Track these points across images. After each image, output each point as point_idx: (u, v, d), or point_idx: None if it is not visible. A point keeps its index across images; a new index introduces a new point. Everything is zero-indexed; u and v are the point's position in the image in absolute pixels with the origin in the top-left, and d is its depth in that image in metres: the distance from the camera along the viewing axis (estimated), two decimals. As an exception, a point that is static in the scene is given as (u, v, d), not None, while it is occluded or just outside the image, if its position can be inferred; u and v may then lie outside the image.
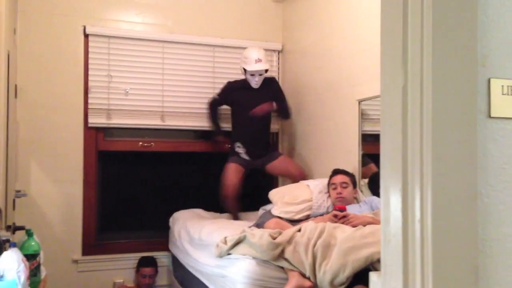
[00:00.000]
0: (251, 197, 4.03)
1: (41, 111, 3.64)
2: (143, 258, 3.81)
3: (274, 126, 4.14)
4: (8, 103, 2.38)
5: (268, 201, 3.37)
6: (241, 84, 3.78)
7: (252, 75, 3.67)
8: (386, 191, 1.02)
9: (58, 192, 3.68)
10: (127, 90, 3.85)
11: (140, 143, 3.99)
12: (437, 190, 0.94)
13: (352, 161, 3.25)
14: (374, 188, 3.11)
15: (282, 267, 2.31)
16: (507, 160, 1.00)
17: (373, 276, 1.15)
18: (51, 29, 3.68)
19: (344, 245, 2.17)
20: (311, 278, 2.20)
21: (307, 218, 3.01)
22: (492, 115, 0.99)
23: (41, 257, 2.20)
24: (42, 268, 2.23)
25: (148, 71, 3.92)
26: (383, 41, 1.05)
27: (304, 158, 3.92)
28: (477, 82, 0.98)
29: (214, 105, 3.88)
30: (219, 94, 3.87)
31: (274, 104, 3.75)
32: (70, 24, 3.73)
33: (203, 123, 4.02)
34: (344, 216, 2.58)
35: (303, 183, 3.36)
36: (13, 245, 1.90)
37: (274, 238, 2.34)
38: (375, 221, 2.49)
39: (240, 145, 3.70)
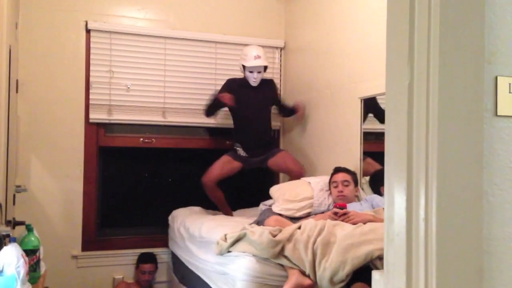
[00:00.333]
0: (251, 194, 4.02)
1: (42, 106, 3.63)
2: (142, 254, 3.81)
3: (276, 123, 4.13)
4: (9, 98, 2.37)
5: (269, 197, 3.36)
6: (241, 82, 3.76)
7: (251, 72, 3.65)
8: (391, 189, 1.01)
9: (58, 188, 3.67)
10: (128, 86, 3.84)
11: (141, 139, 3.98)
12: (442, 188, 0.93)
13: (353, 159, 3.24)
14: (375, 186, 3.10)
15: (282, 265, 2.31)
16: (513, 159, 0.99)
17: (375, 274, 1.14)
18: (53, 24, 3.67)
19: (343, 242, 2.17)
20: (311, 276, 2.20)
21: (308, 215, 3.00)
22: (498, 114, 0.98)
23: (41, 253, 2.20)
24: (42, 263, 2.23)
25: (150, 67, 3.90)
26: (389, 38, 1.04)
27: (306, 155, 3.92)
28: (483, 80, 0.97)
29: (214, 108, 3.82)
30: (220, 91, 3.83)
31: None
32: (72, 19, 3.72)
33: (204, 120, 4.01)
34: (344, 214, 2.57)
35: (304, 180, 3.34)
36: (13, 240, 1.89)
37: (274, 236, 2.33)
38: (376, 219, 2.48)
39: (239, 146, 3.68)
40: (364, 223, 2.38)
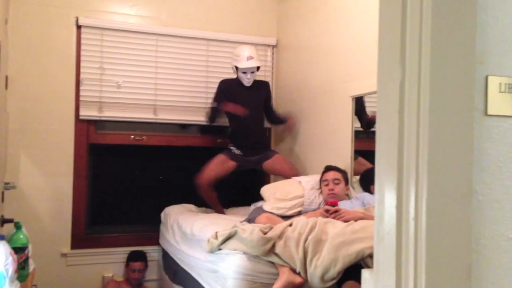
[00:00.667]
0: (243, 193, 4.02)
1: (32, 103, 3.60)
2: (132, 252, 3.79)
3: (267, 122, 4.12)
4: (-2, 94, 2.35)
5: (260, 197, 3.36)
6: (234, 82, 3.76)
7: (244, 72, 3.64)
8: (381, 188, 1.02)
9: (47, 185, 3.65)
10: (119, 83, 3.82)
11: (132, 136, 3.96)
12: (432, 187, 0.94)
13: (344, 158, 3.24)
14: (366, 185, 3.11)
15: (273, 262, 2.31)
16: (503, 159, 1.00)
17: (365, 273, 1.14)
18: (43, 20, 3.64)
19: (335, 240, 2.17)
20: (302, 274, 2.20)
21: (299, 214, 3.00)
22: (489, 113, 0.98)
23: (30, 250, 2.18)
24: (31, 261, 2.21)
25: (141, 64, 3.88)
26: (381, 37, 1.04)
27: (297, 154, 3.92)
28: (474, 79, 0.97)
29: (214, 115, 3.79)
30: (216, 97, 3.78)
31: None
32: (62, 15, 3.69)
33: (196, 117, 4.00)
34: (335, 211, 2.58)
35: (295, 179, 3.35)
36: (1, 238, 1.88)
37: (265, 233, 2.33)
38: (367, 216, 2.49)
39: (234, 145, 3.68)
40: (355, 221, 2.39)
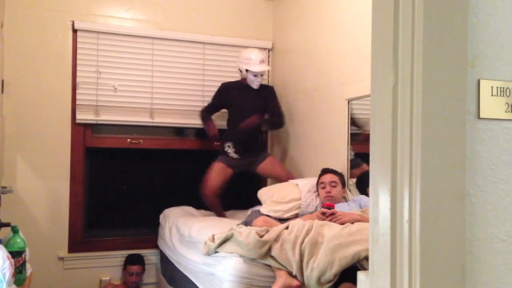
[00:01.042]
0: (240, 196, 4.02)
1: (28, 107, 3.60)
2: (130, 255, 3.79)
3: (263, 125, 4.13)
4: (-6, 98, 2.34)
5: (257, 201, 3.37)
6: (235, 85, 3.77)
7: (255, 75, 3.66)
8: (375, 190, 1.02)
9: (44, 189, 3.64)
10: (116, 87, 3.82)
11: (129, 140, 3.96)
12: (425, 190, 0.94)
13: (341, 161, 3.25)
14: (362, 187, 3.12)
15: (269, 265, 2.31)
16: (495, 161, 1.01)
17: (360, 275, 1.15)
18: (39, 24, 3.64)
19: (331, 243, 2.18)
20: (298, 276, 2.20)
21: (295, 217, 3.01)
22: (481, 116, 0.99)
23: (27, 254, 2.18)
24: (28, 265, 2.21)
25: (138, 68, 3.89)
26: (374, 41, 1.05)
27: (293, 157, 3.93)
28: (466, 83, 0.98)
29: (208, 112, 3.84)
30: (215, 97, 3.82)
31: (264, 116, 3.76)
32: (58, 19, 3.69)
33: (192, 121, 4.00)
34: (332, 214, 2.59)
35: (292, 182, 3.36)
36: (-2, 242, 1.88)
37: (261, 236, 2.33)
38: (363, 219, 2.50)
39: (230, 145, 3.69)
40: (352, 223, 2.40)
